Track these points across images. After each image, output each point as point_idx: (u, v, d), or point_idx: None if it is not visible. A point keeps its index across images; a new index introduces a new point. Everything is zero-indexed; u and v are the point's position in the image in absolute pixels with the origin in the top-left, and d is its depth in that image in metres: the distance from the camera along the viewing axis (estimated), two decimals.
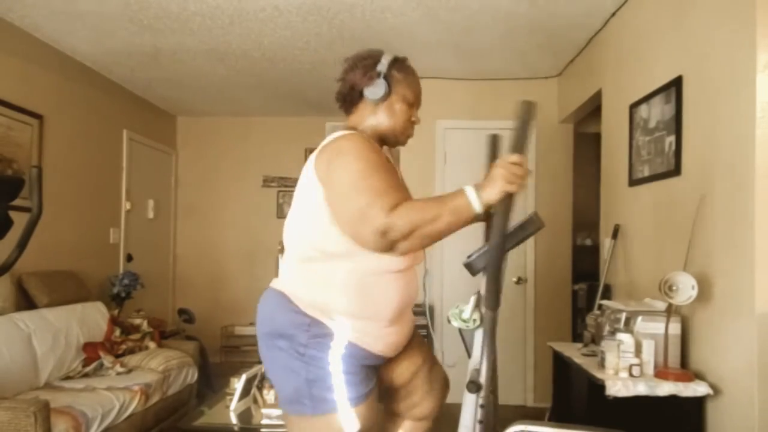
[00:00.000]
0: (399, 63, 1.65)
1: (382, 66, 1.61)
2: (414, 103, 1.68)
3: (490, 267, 1.32)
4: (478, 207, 1.33)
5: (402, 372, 1.74)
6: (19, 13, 3.36)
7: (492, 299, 1.34)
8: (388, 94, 1.61)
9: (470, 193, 1.33)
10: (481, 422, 1.36)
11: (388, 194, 1.38)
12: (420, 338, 1.85)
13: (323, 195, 1.48)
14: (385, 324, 1.56)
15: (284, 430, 2.58)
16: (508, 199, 1.29)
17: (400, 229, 1.34)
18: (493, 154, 1.73)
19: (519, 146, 1.31)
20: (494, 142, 1.73)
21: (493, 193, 1.31)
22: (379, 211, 1.35)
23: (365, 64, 1.63)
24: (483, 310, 1.51)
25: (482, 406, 1.36)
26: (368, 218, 1.36)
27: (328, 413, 1.48)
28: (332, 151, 1.49)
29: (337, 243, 1.48)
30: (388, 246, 1.39)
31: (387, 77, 1.61)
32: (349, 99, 1.67)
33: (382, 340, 1.56)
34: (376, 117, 1.65)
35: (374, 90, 1.60)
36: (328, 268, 1.52)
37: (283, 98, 5.18)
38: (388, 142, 1.68)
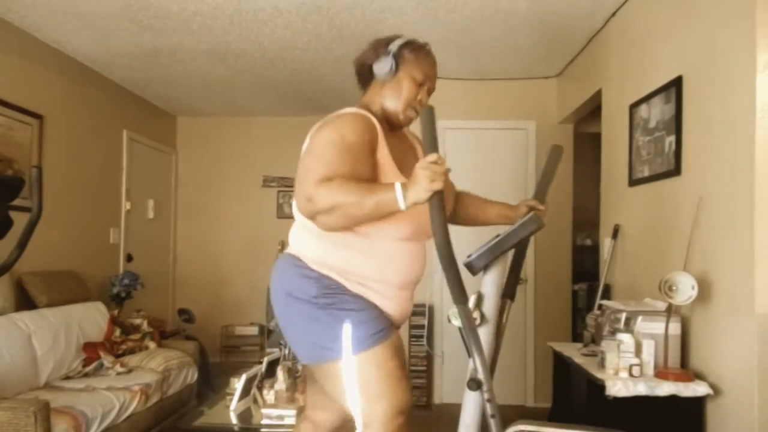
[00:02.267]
0: (413, 44, 1.71)
1: (393, 45, 1.68)
2: (422, 83, 1.71)
3: (441, 262, 1.35)
4: (402, 205, 1.39)
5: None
6: (19, 13, 3.36)
7: (455, 294, 1.37)
8: (395, 71, 1.67)
9: (398, 191, 1.38)
10: (493, 416, 1.36)
11: (330, 168, 1.46)
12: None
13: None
14: (395, 286, 1.63)
15: (284, 430, 2.60)
16: (437, 196, 1.35)
17: (321, 202, 1.43)
18: (553, 164, 1.82)
19: (433, 146, 1.40)
20: (556, 153, 1.81)
21: (420, 192, 1.36)
22: (313, 179, 1.46)
23: (379, 43, 1.71)
24: (483, 309, 1.52)
25: (489, 401, 1.37)
26: (304, 181, 1.49)
27: (356, 353, 1.53)
28: (329, 120, 1.61)
29: None
30: (311, 214, 1.49)
31: (396, 56, 1.67)
32: (362, 76, 1.76)
33: (391, 300, 1.64)
34: (382, 94, 1.70)
35: (380, 66, 1.67)
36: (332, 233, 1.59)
37: (283, 98, 5.18)
38: (391, 122, 1.72)
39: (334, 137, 1.53)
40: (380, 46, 1.69)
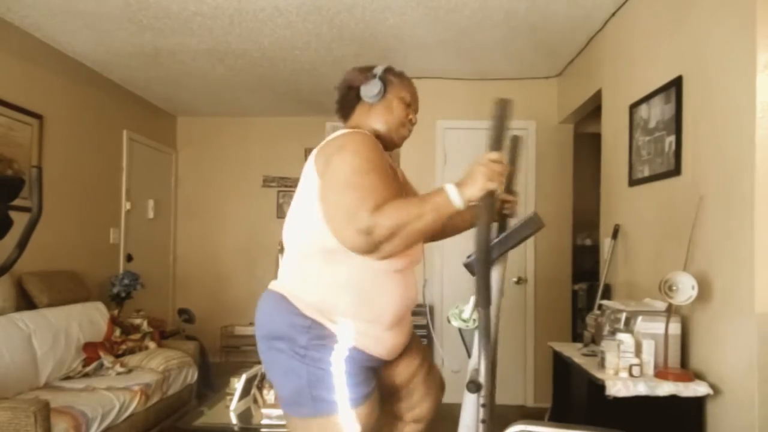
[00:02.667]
0: (394, 70, 1.72)
1: (378, 70, 1.68)
2: (411, 104, 1.71)
3: (478, 264, 1.32)
4: (459, 204, 1.35)
5: (401, 372, 1.75)
6: (19, 13, 3.36)
7: (483, 297, 1.34)
8: (383, 93, 1.66)
9: (451, 190, 1.35)
10: (483, 422, 1.36)
11: (377, 194, 1.38)
12: (418, 340, 1.85)
13: (320, 189, 1.49)
14: (386, 327, 1.56)
15: (284, 430, 2.59)
16: (489, 196, 1.31)
17: (385, 228, 1.34)
18: (514, 155, 1.74)
19: (497, 144, 1.34)
20: (515, 143, 1.73)
21: (475, 189, 1.33)
22: (367, 209, 1.34)
23: (361, 68, 1.71)
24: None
25: (484, 406, 1.36)
26: (355, 216, 1.36)
27: (329, 414, 1.48)
28: (334, 146, 1.50)
29: (336, 239, 1.48)
30: (373, 246, 1.38)
31: (382, 79, 1.67)
32: (347, 101, 1.71)
33: (382, 343, 1.57)
34: (372, 118, 1.67)
35: (370, 88, 1.65)
36: (328, 266, 1.52)
37: (283, 98, 5.18)
38: (384, 143, 1.68)
39: (361, 163, 1.43)
40: (364, 71, 1.69)
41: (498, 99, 1.37)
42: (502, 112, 1.34)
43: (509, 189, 1.76)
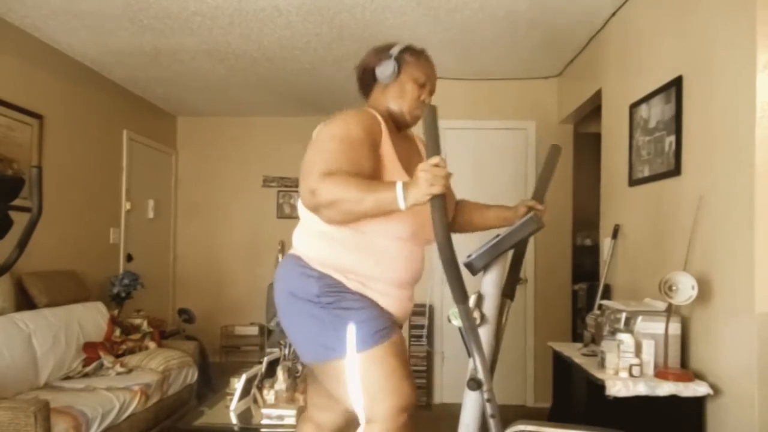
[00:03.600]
0: (412, 49, 1.76)
1: (394, 50, 1.73)
2: (425, 84, 1.76)
3: (443, 262, 1.35)
4: (402, 205, 1.39)
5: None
6: (19, 13, 3.36)
7: (456, 293, 1.37)
8: (397, 74, 1.72)
9: (399, 191, 1.39)
10: (493, 416, 1.37)
11: (334, 162, 1.48)
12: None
13: None
14: (394, 284, 1.65)
15: (284, 431, 2.60)
16: (437, 199, 1.34)
17: (323, 195, 1.44)
18: (552, 164, 1.83)
19: (435, 148, 1.38)
20: (554, 152, 1.82)
21: (418, 195, 1.36)
22: (317, 171, 1.47)
23: (379, 48, 1.77)
24: (483, 309, 1.52)
25: (489, 401, 1.37)
26: (308, 174, 1.49)
27: (362, 350, 1.54)
28: (336, 116, 1.64)
29: None
30: (314, 207, 1.50)
31: (398, 59, 1.72)
32: (365, 81, 1.80)
33: (391, 298, 1.65)
34: (386, 97, 1.74)
35: (383, 69, 1.72)
36: (330, 231, 1.60)
37: (283, 98, 5.18)
38: (398, 122, 1.76)
39: (339, 131, 1.56)
40: (381, 51, 1.74)
41: (427, 105, 1.45)
42: (432, 117, 1.39)
43: (540, 198, 1.78)
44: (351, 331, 1.55)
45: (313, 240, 1.65)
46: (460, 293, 1.38)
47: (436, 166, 1.34)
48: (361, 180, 1.46)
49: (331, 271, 1.61)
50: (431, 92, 1.80)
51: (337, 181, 1.44)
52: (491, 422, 1.37)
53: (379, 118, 1.67)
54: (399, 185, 1.39)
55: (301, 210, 1.69)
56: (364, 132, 1.58)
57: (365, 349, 1.54)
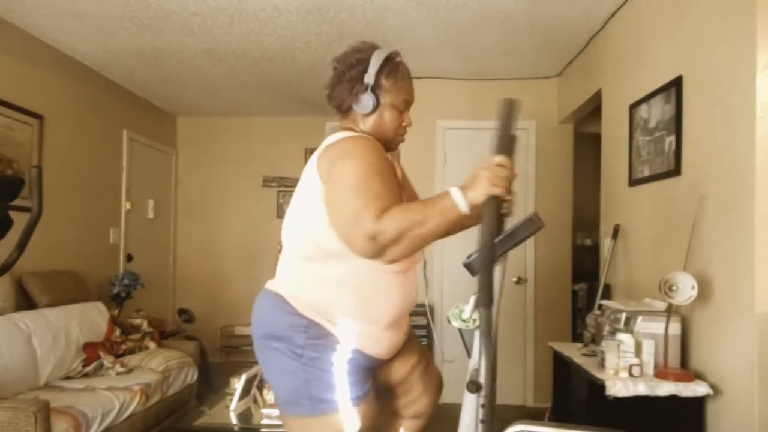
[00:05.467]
0: (387, 68, 1.60)
1: (369, 77, 1.57)
2: (404, 109, 1.66)
3: (481, 266, 1.32)
4: (464, 208, 1.33)
5: (398, 370, 1.74)
6: (19, 13, 3.36)
7: (485, 297, 1.34)
8: (376, 106, 1.59)
9: (456, 194, 1.34)
10: (482, 422, 1.36)
11: (380, 199, 1.37)
12: (415, 337, 1.85)
13: (324, 193, 1.48)
14: (384, 327, 1.56)
15: (283, 431, 2.59)
16: (493, 200, 1.29)
17: (390, 233, 1.33)
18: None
19: (504, 147, 1.30)
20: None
21: (478, 194, 1.31)
22: (371, 216, 1.34)
23: (352, 76, 1.60)
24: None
25: (483, 406, 1.36)
26: (360, 221, 1.35)
27: (327, 414, 1.48)
28: (337, 150, 1.49)
29: (337, 242, 1.47)
30: (378, 251, 1.37)
31: (374, 88, 1.58)
32: (342, 107, 1.66)
33: (380, 342, 1.57)
34: (366, 125, 1.63)
35: (362, 106, 1.59)
36: (327, 267, 1.52)
37: (283, 98, 5.18)
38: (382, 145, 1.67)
39: (365, 168, 1.42)
40: (355, 82, 1.59)
41: (505, 98, 1.33)
42: (509, 113, 1.31)
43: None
44: (326, 392, 1.48)
45: (303, 280, 1.54)
46: (487, 298, 1.34)
47: (501, 165, 1.29)
48: (411, 204, 1.39)
49: (320, 318, 1.50)
50: (410, 106, 1.68)
51: (395, 215, 1.34)
52: (480, 427, 1.37)
53: (376, 142, 1.57)
54: (453, 190, 1.34)
55: (292, 240, 1.58)
56: (382, 159, 1.49)
57: (332, 413, 1.47)
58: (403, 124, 1.67)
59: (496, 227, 1.30)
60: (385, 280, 1.53)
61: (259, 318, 1.60)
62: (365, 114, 1.61)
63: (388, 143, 1.66)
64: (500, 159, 1.30)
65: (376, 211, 1.34)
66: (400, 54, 1.65)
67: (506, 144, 1.30)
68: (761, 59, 1.95)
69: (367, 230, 1.34)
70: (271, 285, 1.62)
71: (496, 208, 1.28)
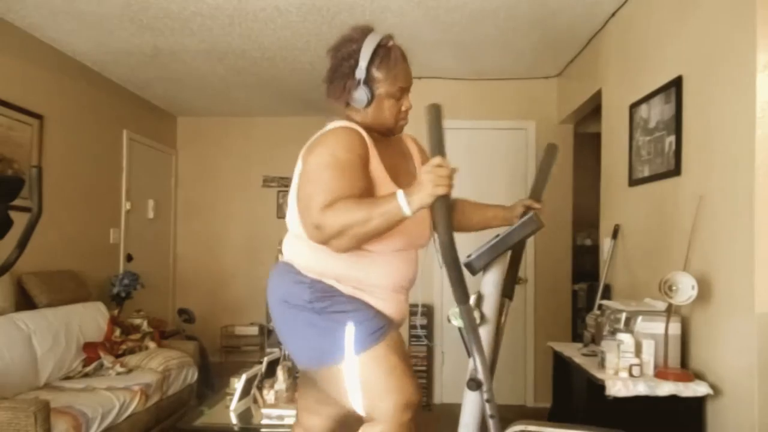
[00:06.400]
0: (379, 57, 1.61)
1: (360, 72, 1.61)
2: (401, 96, 1.68)
3: (445, 263, 1.35)
4: (407, 211, 1.38)
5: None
6: (19, 13, 3.36)
7: (457, 293, 1.37)
8: (371, 98, 1.63)
9: (401, 198, 1.37)
10: (492, 417, 1.36)
11: (329, 192, 1.45)
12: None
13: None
14: (385, 289, 1.63)
15: (283, 431, 2.59)
16: (441, 200, 1.33)
17: (330, 227, 1.43)
18: (548, 163, 1.80)
19: (438, 148, 1.36)
20: (551, 152, 1.80)
21: (423, 196, 1.35)
22: (317, 206, 1.45)
23: (344, 72, 1.64)
24: (483, 309, 1.52)
25: (488, 401, 1.36)
26: (309, 210, 1.49)
27: (360, 352, 1.52)
28: (318, 140, 1.60)
29: None
30: (323, 241, 1.47)
31: (368, 81, 1.62)
32: (339, 103, 1.72)
33: (385, 301, 1.63)
34: (366, 114, 1.67)
35: (358, 101, 1.64)
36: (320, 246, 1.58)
37: (283, 98, 5.18)
38: (382, 133, 1.71)
39: (327, 159, 1.51)
40: (347, 78, 1.63)
41: (429, 104, 1.41)
42: (436, 117, 1.37)
43: (537, 197, 1.77)
44: (348, 333, 1.53)
45: (304, 250, 1.62)
46: (461, 293, 1.38)
47: (439, 166, 1.33)
48: (360, 201, 1.44)
49: (324, 277, 1.60)
50: (408, 91, 1.71)
51: (339, 210, 1.42)
52: (490, 422, 1.37)
53: (362, 132, 1.61)
54: (399, 193, 1.38)
55: (290, 220, 1.68)
56: (350, 153, 1.53)
57: (363, 350, 1.52)
58: (403, 108, 1.70)
59: (450, 225, 1.35)
60: (379, 259, 1.60)
61: (271, 284, 1.70)
62: (363, 106, 1.66)
63: (390, 130, 1.71)
64: (437, 160, 1.34)
65: (323, 202, 1.44)
66: (392, 37, 1.67)
67: (439, 145, 1.37)
68: (761, 59, 1.95)
69: (313, 219, 1.46)
70: (281, 257, 1.76)
71: (446, 207, 1.34)
